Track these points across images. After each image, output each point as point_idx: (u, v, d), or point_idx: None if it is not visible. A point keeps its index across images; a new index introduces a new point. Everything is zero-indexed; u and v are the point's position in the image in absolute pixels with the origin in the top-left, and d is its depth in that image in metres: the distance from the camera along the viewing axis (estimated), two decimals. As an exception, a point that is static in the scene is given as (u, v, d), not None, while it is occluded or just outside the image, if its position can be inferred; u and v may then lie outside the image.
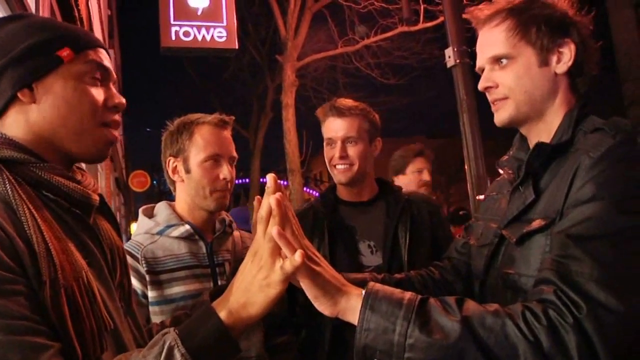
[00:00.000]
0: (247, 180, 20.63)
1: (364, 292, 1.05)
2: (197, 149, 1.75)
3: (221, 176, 1.75)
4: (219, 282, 1.77)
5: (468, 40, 4.85)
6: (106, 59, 1.12)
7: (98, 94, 1.08)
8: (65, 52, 1.03)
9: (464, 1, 8.36)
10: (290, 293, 1.93)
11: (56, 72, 1.03)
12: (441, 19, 9.60)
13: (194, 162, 1.76)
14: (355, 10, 11.55)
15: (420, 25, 10.64)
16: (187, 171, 1.78)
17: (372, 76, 13.02)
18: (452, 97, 4.97)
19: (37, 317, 0.83)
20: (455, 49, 4.78)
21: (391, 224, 1.98)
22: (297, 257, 0.96)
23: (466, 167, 4.79)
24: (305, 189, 16.15)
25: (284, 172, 12.88)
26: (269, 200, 1.02)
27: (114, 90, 1.13)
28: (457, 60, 4.76)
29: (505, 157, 1.46)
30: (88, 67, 1.07)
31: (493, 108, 1.35)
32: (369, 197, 2.08)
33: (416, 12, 9.79)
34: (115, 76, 1.15)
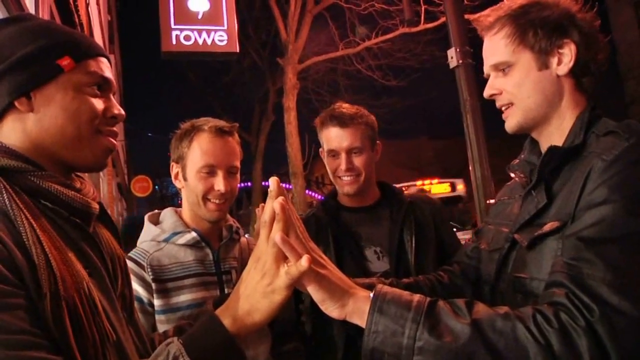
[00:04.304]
0: (249, 183, 20.64)
1: (371, 294, 1.04)
2: (194, 158, 1.72)
3: (215, 187, 1.71)
4: (226, 290, 1.74)
5: (470, 40, 4.85)
6: (107, 68, 1.10)
7: (97, 104, 1.06)
8: (65, 61, 1.01)
9: (465, 2, 8.36)
10: (296, 299, 1.92)
11: (55, 81, 1.00)
12: (442, 19, 9.61)
13: (191, 171, 1.73)
14: (355, 12, 11.56)
15: (421, 27, 10.63)
16: (185, 178, 1.76)
17: (373, 78, 13.05)
18: (454, 97, 4.96)
19: (38, 331, 0.81)
20: (458, 50, 4.78)
21: (396, 229, 1.94)
22: (304, 262, 0.94)
23: (470, 168, 4.78)
24: (307, 191, 16.14)
25: (286, 175, 12.89)
26: (273, 204, 1.00)
27: (113, 100, 1.11)
28: (460, 61, 4.76)
29: (517, 161, 1.45)
30: (89, 78, 1.04)
31: (503, 116, 1.36)
32: (372, 201, 2.05)
33: (417, 13, 9.78)
34: (115, 86, 1.13)
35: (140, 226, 1.84)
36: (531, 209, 1.25)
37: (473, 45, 4.90)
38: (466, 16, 5.23)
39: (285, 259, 0.99)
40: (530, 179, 1.32)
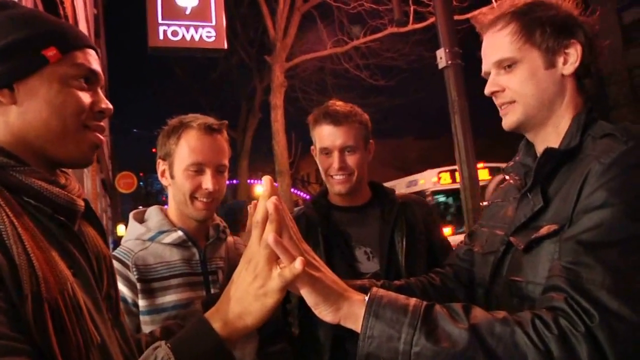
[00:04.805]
0: (235, 181, 20.53)
1: (366, 297, 1.02)
2: (181, 155, 1.68)
3: (203, 186, 1.67)
4: (212, 291, 1.71)
5: (459, 41, 4.85)
6: (95, 60, 1.05)
7: (84, 97, 1.01)
8: (51, 52, 0.96)
9: (455, 3, 8.39)
10: (283, 299, 1.89)
11: (40, 73, 0.96)
12: (431, 20, 9.63)
13: (178, 169, 1.69)
14: (344, 11, 11.53)
15: (410, 27, 10.64)
16: (172, 176, 1.72)
17: (361, 77, 13.04)
18: (441, 98, 4.97)
19: (18, 335, 0.77)
20: (447, 50, 4.78)
21: (387, 230, 1.92)
22: (298, 264, 0.92)
23: (458, 168, 4.78)
24: (292, 190, 16.12)
25: (272, 173, 12.85)
26: (266, 204, 0.97)
27: (101, 94, 1.07)
28: (449, 62, 4.76)
29: (511, 163, 1.44)
30: (75, 70, 1.00)
31: (501, 112, 1.34)
32: (363, 201, 2.03)
33: (405, 13, 9.78)
34: (103, 79, 1.08)
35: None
36: (527, 211, 1.23)
37: (462, 47, 4.92)
38: (455, 17, 5.26)
39: (277, 260, 0.96)
40: (525, 182, 1.31)
